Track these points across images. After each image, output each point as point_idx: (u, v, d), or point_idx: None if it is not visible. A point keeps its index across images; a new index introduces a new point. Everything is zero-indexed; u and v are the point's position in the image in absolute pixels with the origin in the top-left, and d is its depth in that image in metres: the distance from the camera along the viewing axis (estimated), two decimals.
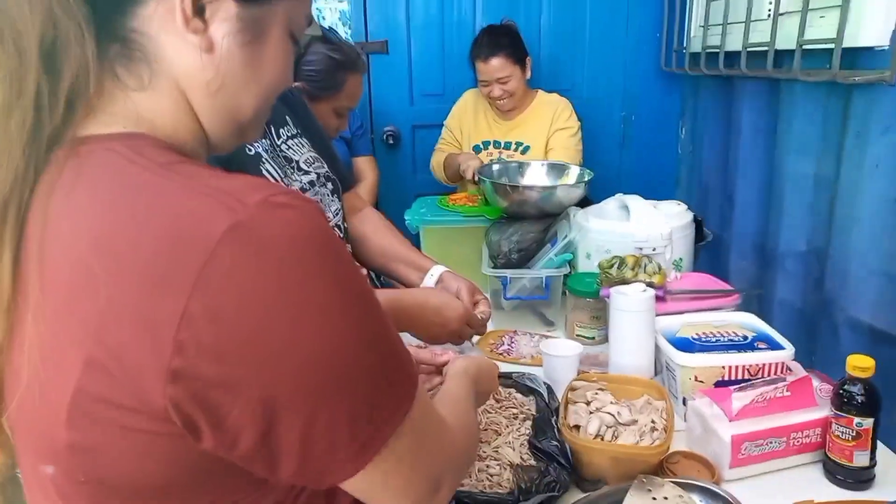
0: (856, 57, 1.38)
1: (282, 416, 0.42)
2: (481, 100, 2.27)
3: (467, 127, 2.28)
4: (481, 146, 2.24)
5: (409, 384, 0.49)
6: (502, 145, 2.23)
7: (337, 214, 1.18)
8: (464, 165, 2.03)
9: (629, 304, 1.13)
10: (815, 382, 0.97)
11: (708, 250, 2.07)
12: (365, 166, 2.27)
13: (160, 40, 0.49)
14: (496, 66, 2.09)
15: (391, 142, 2.58)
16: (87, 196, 0.44)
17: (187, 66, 0.50)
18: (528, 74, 2.18)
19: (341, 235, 1.19)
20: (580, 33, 2.51)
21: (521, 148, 2.21)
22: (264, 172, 1.03)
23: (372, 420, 0.45)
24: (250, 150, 1.04)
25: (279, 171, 1.07)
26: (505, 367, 1.26)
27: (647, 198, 1.57)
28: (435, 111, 2.42)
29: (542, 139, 2.19)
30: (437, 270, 1.21)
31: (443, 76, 2.53)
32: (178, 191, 0.43)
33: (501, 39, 2.13)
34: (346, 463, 0.45)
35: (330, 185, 1.18)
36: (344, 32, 2.51)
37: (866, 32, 1.32)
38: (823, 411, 0.93)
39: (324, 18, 2.50)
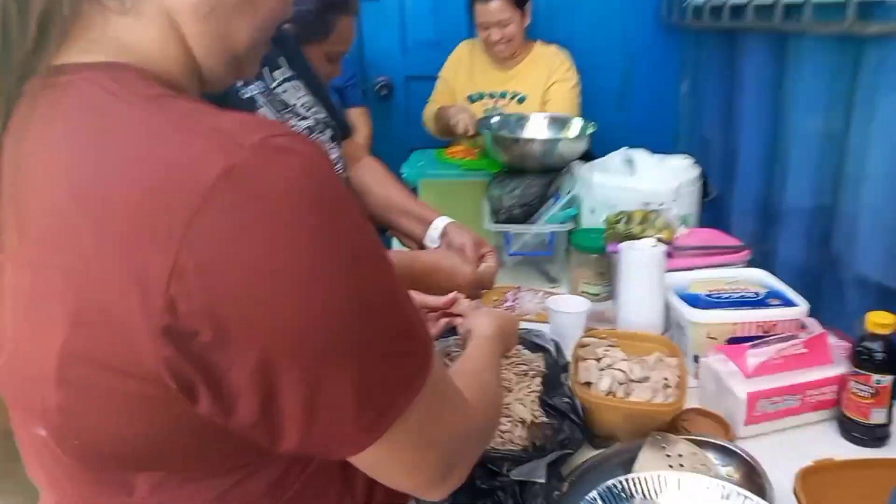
0: (868, 10, 1.33)
1: (282, 383, 0.38)
2: (477, 50, 2.21)
3: (462, 78, 2.21)
4: (476, 97, 2.18)
5: (423, 355, 0.45)
6: (497, 95, 2.17)
7: (337, 163, 1.13)
8: (454, 119, 1.97)
9: (640, 258, 1.10)
10: (832, 340, 0.96)
11: (711, 207, 2.04)
12: (358, 118, 2.20)
13: None
14: (496, 7, 2.03)
15: (384, 93, 2.51)
16: (65, 134, 0.40)
17: None
18: (528, 20, 2.12)
19: None
20: None
21: (516, 98, 2.15)
22: (261, 117, 0.98)
23: (382, 393, 0.42)
24: (244, 93, 0.98)
25: (276, 116, 1.01)
26: None
27: (651, 152, 1.54)
28: (429, 61, 2.34)
29: (539, 90, 2.14)
30: (440, 222, 1.17)
31: (436, 23, 2.44)
32: (167, 129, 0.38)
33: None
34: (354, 436, 0.42)
35: (329, 132, 1.13)
36: None
37: None
38: (839, 368, 0.92)
39: None
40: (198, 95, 0.50)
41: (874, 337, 0.86)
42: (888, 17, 1.29)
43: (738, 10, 1.81)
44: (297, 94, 1.09)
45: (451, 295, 0.90)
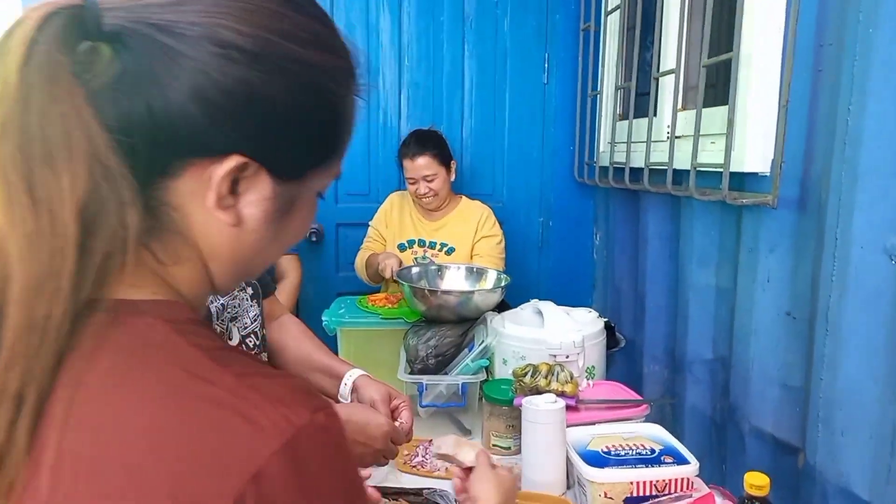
0: (744, 179, 1.51)
1: None
2: (406, 201, 2.34)
3: (393, 226, 2.32)
4: (406, 244, 2.28)
5: None
6: (427, 244, 2.28)
7: (255, 320, 1.15)
8: (382, 264, 2.06)
9: (540, 415, 1.13)
10: (719, 499, 0.99)
11: (623, 355, 2.13)
12: (288, 265, 2.25)
13: (189, 213, 0.47)
14: (423, 163, 2.18)
15: (314, 239, 2.58)
16: (134, 390, 0.42)
17: (212, 238, 0.49)
18: (453, 177, 2.29)
19: (258, 343, 1.15)
20: (499, 142, 2.64)
21: (445, 248, 2.26)
22: None
23: None
24: None
25: None
26: (417, 481, 1.22)
27: (564, 301, 1.62)
28: (359, 210, 2.45)
29: (467, 243, 2.26)
30: (350, 377, 1.18)
31: (368, 177, 2.59)
32: (230, 394, 0.43)
33: (428, 141, 2.25)
34: None
35: (250, 290, 1.16)
36: None
37: (751, 159, 1.45)
38: None
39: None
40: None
41: (752, 499, 0.89)
42: (759, 188, 1.45)
43: (637, 173, 2.00)
44: None
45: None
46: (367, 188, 2.56)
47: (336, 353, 1.72)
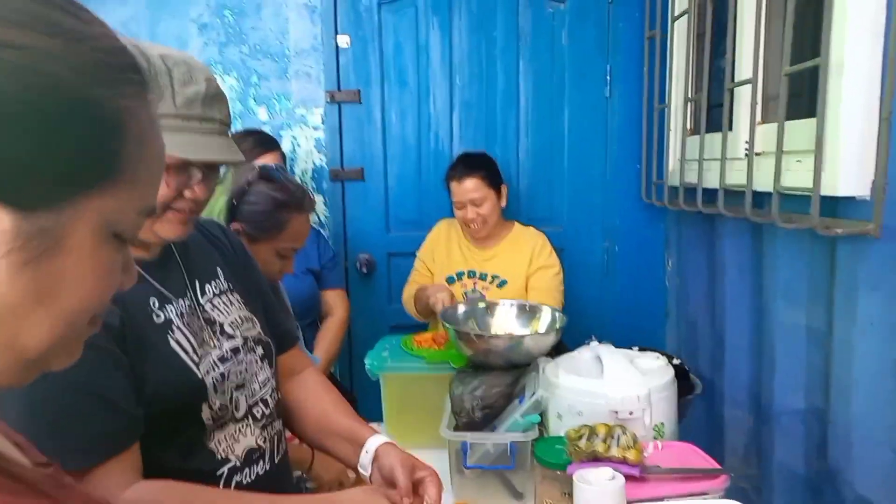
0: (838, 205, 1.29)
1: None
2: (455, 229, 2.21)
3: (440, 256, 2.20)
4: (455, 277, 2.15)
5: None
6: (477, 276, 2.13)
7: (265, 385, 1.04)
8: (433, 299, 1.93)
9: (594, 495, 0.97)
10: None
11: (701, 398, 1.91)
12: (334, 300, 2.16)
13: None
14: (470, 186, 2.05)
15: (365, 270, 2.49)
16: None
17: None
18: (504, 203, 2.14)
19: (268, 413, 1.03)
20: (558, 163, 2.48)
21: (497, 281, 2.11)
22: (171, 343, 0.91)
23: None
24: (158, 316, 0.91)
25: (193, 340, 0.94)
26: None
27: (633, 336, 1.46)
28: (411, 239, 2.34)
29: (521, 274, 2.10)
30: (373, 444, 1.05)
31: (419, 204, 2.48)
32: None
33: (477, 162, 2.12)
34: None
35: (260, 350, 1.05)
36: (319, 160, 2.49)
37: (845, 181, 1.24)
38: None
39: (299, 146, 2.48)
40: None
41: None
42: (856, 215, 1.24)
43: (711, 194, 1.80)
44: (227, 311, 1.03)
45: None
46: (418, 216, 2.44)
47: (379, 398, 1.61)
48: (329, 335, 2.07)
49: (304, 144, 2.48)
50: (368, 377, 1.62)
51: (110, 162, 0.41)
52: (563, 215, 2.49)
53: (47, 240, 0.39)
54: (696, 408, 1.87)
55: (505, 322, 1.67)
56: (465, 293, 2.11)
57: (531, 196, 2.48)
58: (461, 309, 1.69)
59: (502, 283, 2.10)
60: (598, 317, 2.38)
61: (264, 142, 2.05)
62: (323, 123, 2.47)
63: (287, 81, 2.46)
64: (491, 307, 1.71)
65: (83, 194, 0.40)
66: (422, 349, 1.67)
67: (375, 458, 1.03)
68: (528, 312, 1.67)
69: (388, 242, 2.50)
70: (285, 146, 2.41)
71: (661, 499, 1.05)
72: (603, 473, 0.99)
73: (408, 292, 2.17)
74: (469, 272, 2.15)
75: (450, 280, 2.14)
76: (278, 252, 1.43)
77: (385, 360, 1.63)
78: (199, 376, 0.91)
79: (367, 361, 1.63)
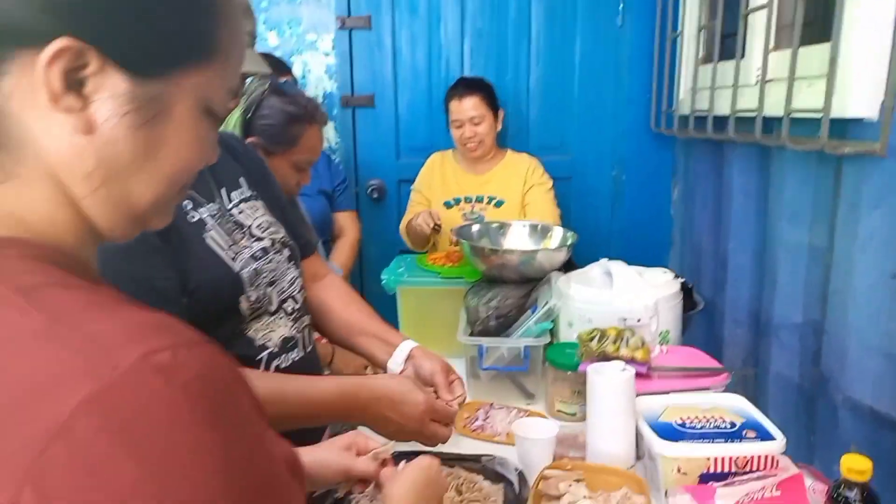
0: (845, 127, 1.33)
1: None
2: (448, 159, 2.28)
3: (436, 186, 2.26)
4: (452, 202, 2.21)
5: None
6: (474, 199, 2.21)
7: (293, 283, 1.10)
8: (416, 221, 2.03)
9: (607, 384, 1.05)
10: (808, 481, 0.88)
11: (702, 316, 1.99)
12: (346, 222, 2.21)
13: (24, 119, 0.40)
14: (470, 105, 2.12)
15: (375, 196, 2.53)
16: None
17: (61, 150, 0.41)
18: (499, 127, 2.21)
19: (297, 308, 1.10)
20: (568, 92, 2.49)
21: (494, 202, 2.18)
22: (208, 241, 0.96)
23: None
24: (192, 216, 0.97)
25: (226, 239, 0.99)
26: (478, 447, 1.17)
27: (639, 260, 1.51)
28: (421, 165, 2.37)
29: (517, 194, 2.19)
30: (406, 346, 1.13)
31: (429, 131, 2.50)
32: (36, 339, 0.34)
33: (476, 84, 2.19)
34: None
35: (287, 252, 1.11)
36: (330, 86, 2.50)
37: (855, 103, 1.27)
38: None
39: (310, 72, 2.48)
40: (97, 249, 0.47)
41: (850, 484, 0.79)
42: (863, 136, 1.28)
43: (721, 122, 1.83)
44: (254, 215, 1.08)
45: (368, 466, 0.80)
46: (428, 143, 2.47)
47: (395, 312, 1.68)
48: (342, 255, 2.14)
49: (315, 70, 2.48)
50: (379, 298, 1.69)
51: (209, 41, 0.46)
52: (573, 144, 2.52)
53: (157, 106, 0.44)
54: (697, 326, 1.95)
55: (517, 241, 1.73)
56: (464, 214, 2.17)
57: (541, 125, 2.50)
58: (475, 228, 1.75)
59: (499, 203, 2.17)
60: (605, 244, 2.44)
61: (276, 65, 2.06)
62: (333, 49, 2.47)
63: (297, 6, 2.44)
64: (504, 227, 1.77)
65: (186, 69, 0.45)
66: (436, 266, 1.74)
67: (410, 358, 1.11)
68: (540, 232, 1.73)
69: (398, 169, 2.54)
70: (296, 72, 2.41)
71: (667, 392, 1.13)
72: (615, 366, 1.07)
73: (404, 223, 2.24)
74: (465, 198, 2.22)
75: (447, 204, 2.21)
76: (294, 165, 1.48)
77: (401, 275, 1.69)
78: (236, 271, 0.97)
79: (383, 277, 1.69)
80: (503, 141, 2.31)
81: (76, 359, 0.33)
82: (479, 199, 2.20)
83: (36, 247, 0.41)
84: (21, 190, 0.41)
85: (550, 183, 2.21)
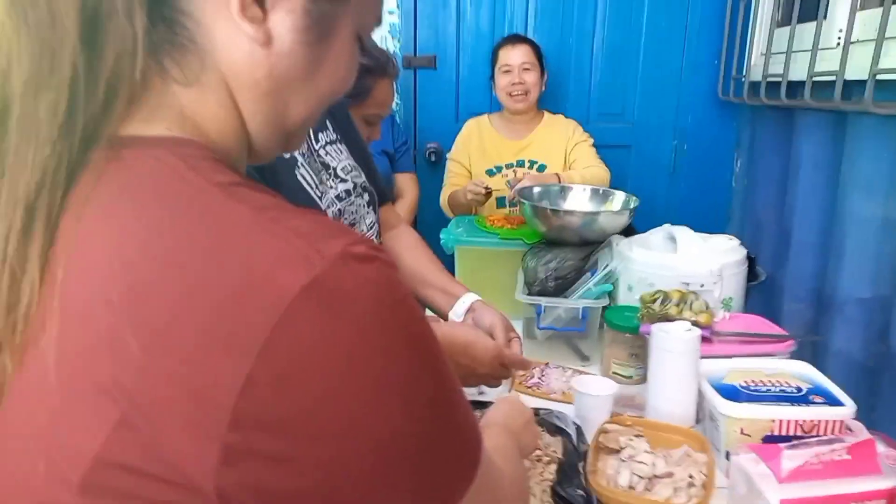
0: None
1: (344, 495, 0.37)
2: (484, 126, 2.27)
3: (475, 155, 2.25)
4: (494, 170, 2.20)
5: (476, 452, 0.43)
6: (515, 164, 2.19)
7: (371, 227, 1.13)
8: (466, 195, 2.04)
9: (672, 343, 1.04)
10: (880, 447, 0.86)
11: (760, 291, 1.94)
12: (406, 183, 2.23)
13: (211, 27, 0.42)
14: (522, 52, 2.13)
15: (433, 159, 2.54)
16: (132, 222, 0.37)
17: (238, 59, 0.43)
18: (544, 87, 2.20)
19: None
20: (634, 57, 2.43)
21: (536, 166, 2.17)
22: (298, 177, 0.99)
23: (437, 497, 0.40)
24: (285, 153, 1.00)
25: (314, 178, 1.02)
26: (533, 402, 1.19)
27: (696, 231, 1.48)
28: None
29: (559, 157, 2.18)
30: (468, 298, 1.15)
31: (490, 94, 2.47)
32: (244, 227, 0.37)
33: (527, 38, 2.19)
34: None
35: (366, 196, 1.13)
36: (393, 46, 2.50)
37: None
38: (888, 481, 0.83)
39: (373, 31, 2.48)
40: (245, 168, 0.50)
41: None
42: None
43: (795, 88, 1.77)
44: (338, 157, 1.11)
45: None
46: (488, 107, 2.46)
47: (452, 272, 1.70)
48: (402, 215, 2.16)
49: (379, 29, 2.48)
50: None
51: None
52: (634, 112, 2.47)
53: (327, 25, 0.46)
54: (755, 300, 1.91)
55: (578, 203, 1.71)
56: (508, 182, 2.16)
57: (602, 91, 2.46)
58: (536, 189, 1.74)
59: (542, 168, 2.16)
60: (663, 215, 2.38)
61: None
62: (398, 8, 2.46)
63: None
64: (565, 190, 1.76)
65: None
66: (496, 227, 1.74)
67: (471, 311, 1.13)
68: (601, 196, 1.72)
69: (457, 133, 2.53)
70: None
71: (730, 357, 1.12)
72: (681, 325, 1.06)
73: (445, 195, 2.24)
74: (507, 164, 2.20)
75: (489, 173, 2.20)
76: (365, 118, 1.49)
77: (461, 234, 1.70)
78: (323, 208, 1.00)
79: (442, 236, 1.71)
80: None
81: (288, 248, 0.36)
82: (521, 164, 2.19)
83: (212, 150, 0.43)
84: (201, 96, 0.43)
85: (592, 140, 2.20)
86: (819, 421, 0.92)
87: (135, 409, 0.35)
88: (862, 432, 0.90)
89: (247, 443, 0.34)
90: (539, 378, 1.30)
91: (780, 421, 0.93)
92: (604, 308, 1.37)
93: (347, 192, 1.07)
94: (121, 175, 0.39)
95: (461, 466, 0.42)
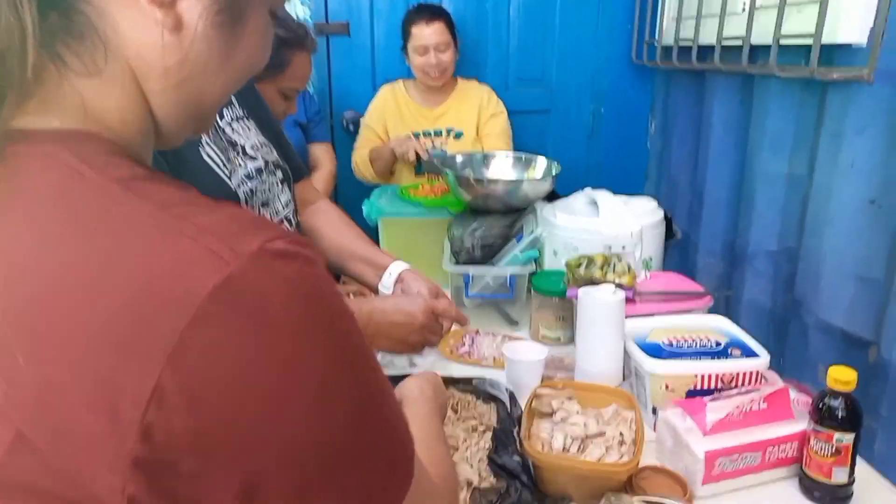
0: (832, 54, 1.34)
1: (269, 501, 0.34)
2: (400, 92, 2.24)
3: (392, 121, 2.22)
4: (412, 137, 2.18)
5: (409, 463, 0.42)
6: (432, 133, 2.18)
7: (287, 206, 1.08)
8: (400, 150, 2.01)
9: (598, 306, 1.06)
10: (793, 394, 0.92)
11: (676, 248, 2.03)
12: (321, 154, 2.16)
13: (114, 14, 0.39)
14: (437, 30, 2.07)
15: (351, 128, 2.47)
16: (24, 225, 0.34)
17: (146, 46, 0.40)
18: (457, 56, 2.17)
19: (292, 229, 1.08)
20: (550, 22, 2.43)
21: (453, 133, 2.17)
22: (203, 156, 0.93)
23: (381, 499, 0.39)
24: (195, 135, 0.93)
25: (221, 156, 0.96)
26: (466, 371, 1.19)
27: (616, 193, 1.51)
28: None
29: (473, 124, 2.18)
30: (396, 268, 1.12)
31: (403, 62, 2.42)
32: (149, 226, 0.34)
33: (440, 10, 2.13)
34: None
35: (279, 174, 1.08)
36: (303, 12, 2.39)
37: (844, 29, 1.27)
38: (800, 424, 0.88)
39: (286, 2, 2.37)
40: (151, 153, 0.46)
41: (835, 394, 0.82)
42: (851, 63, 1.28)
43: (706, 52, 1.82)
44: (246, 135, 1.04)
45: None
46: (405, 73, 2.40)
47: (377, 244, 1.67)
48: (317, 188, 2.10)
49: None
50: None
51: None
52: (552, 77, 2.48)
53: (239, 7, 0.43)
54: (672, 258, 1.99)
55: (501, 171, 1.71)
56: (427, 149, 2.15)
57: (521, 57, 2.45)
58: (459, 158, 1.73)
59: (458, 135, 2.17)
60: (583, 177, 2.44)
61: None
62: None
63: None
64: (487, 158, 1.75)
65: None
66: (419, 196, 1.72)
67: (399, 281, 1.10)
68: (524, 163, 1.72)
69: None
70: None
71: (652, 315, 1.15)
72: (606, 289, 1.08)
73: (359, 156, 2.20)
74: (424, 132, 2.19)
75: None
76: (281, 92, 1.42)
77: (384, 205, 1.67)
78: (233, 188, 0.94)
79: (364, 208, 1.67)
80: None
81: (197, 248, 0.33)
82: (438, 133, 2.19)
83: (113, 143, 0.40)
84: (104, 87, 0.40)
85: (505, 112, 2.21)
86: (738, 373, 0.97)
87: (31, 426, 0.32)
88: (777, 381, 0.95)
89: (159, 456, 0.31)
90: (470, 346, 1.30)
91: (702, 375, 0.97)
92: (531, 274, 1.39)
93: (258, 170, 1.01)
94: (12, 173, 0.35)
95: (395, 476, 0.41)
